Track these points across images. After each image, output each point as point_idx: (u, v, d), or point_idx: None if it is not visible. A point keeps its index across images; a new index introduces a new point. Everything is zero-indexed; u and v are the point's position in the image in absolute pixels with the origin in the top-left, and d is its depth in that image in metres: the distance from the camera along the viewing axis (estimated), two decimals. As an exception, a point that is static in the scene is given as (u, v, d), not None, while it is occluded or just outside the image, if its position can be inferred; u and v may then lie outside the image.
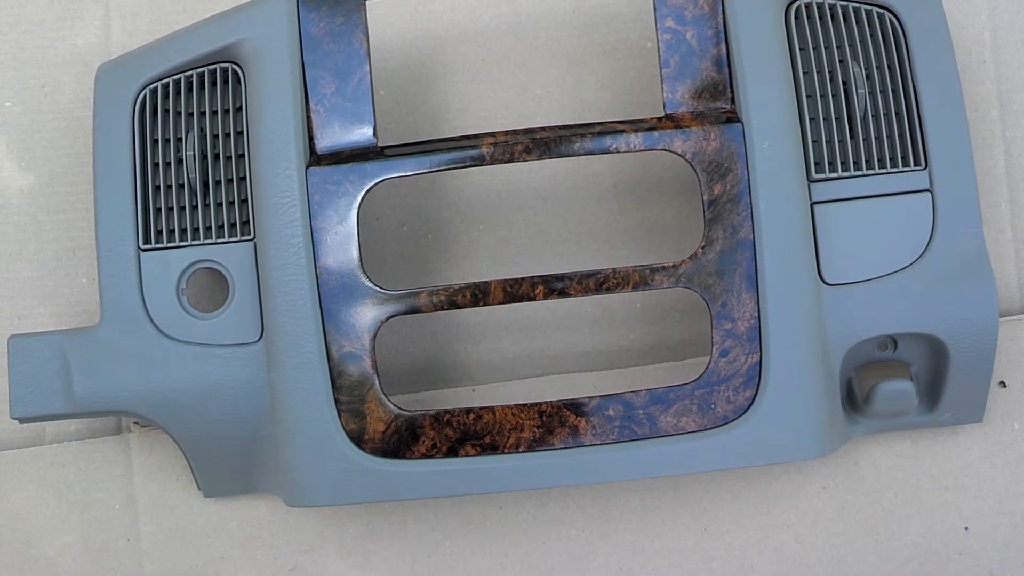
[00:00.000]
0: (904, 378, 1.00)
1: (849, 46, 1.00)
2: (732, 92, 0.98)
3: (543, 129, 0.99)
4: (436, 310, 0.97)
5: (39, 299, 1.11)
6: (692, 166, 0.96)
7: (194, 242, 1.00)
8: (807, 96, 0.99)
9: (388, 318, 0.96)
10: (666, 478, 1.07)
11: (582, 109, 1.13)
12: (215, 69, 1.01)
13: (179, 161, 1.01)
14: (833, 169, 0.99)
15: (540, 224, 1.12)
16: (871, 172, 0.99)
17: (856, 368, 1.02)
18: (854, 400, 1.02)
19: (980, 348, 0.98)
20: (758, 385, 0.95)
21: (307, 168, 0.97)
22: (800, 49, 1.00)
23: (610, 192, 1.12)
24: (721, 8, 0.98)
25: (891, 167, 0.99)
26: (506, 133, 0.98)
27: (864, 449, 1.07)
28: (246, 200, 1.00)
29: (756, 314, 0.95)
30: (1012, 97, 1.12)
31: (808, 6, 1.00)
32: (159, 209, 1.00)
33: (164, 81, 1.01)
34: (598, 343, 1.12)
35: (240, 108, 1.01)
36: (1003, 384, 1.07)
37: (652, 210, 1.12)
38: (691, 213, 1.11)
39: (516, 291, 0.97)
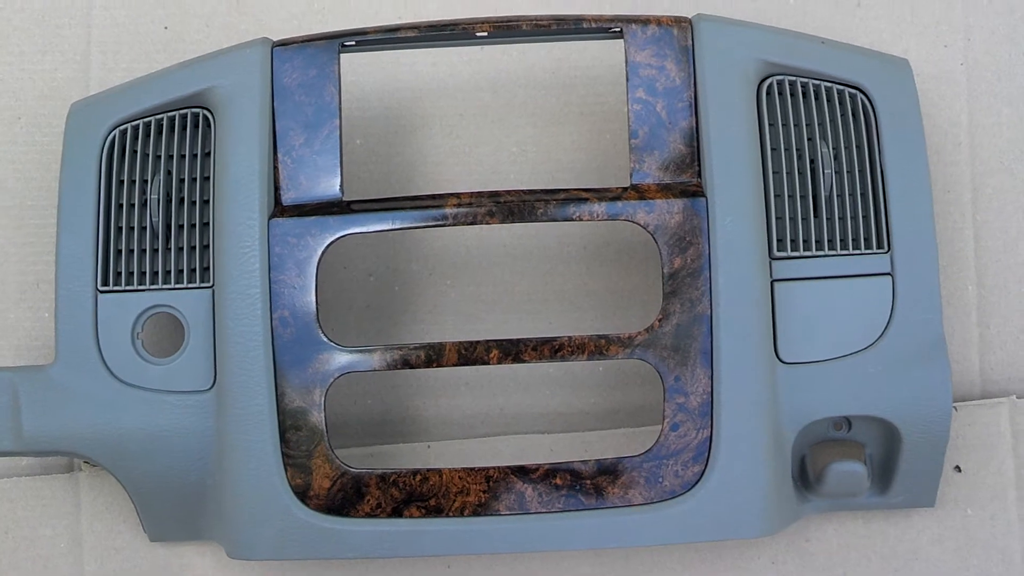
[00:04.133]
0: (856, 460, 1.00)
1: (819, 124, 1.00)
2: (699, 166, 0.98)
3: (508, 193, 0.99)
4: (389, 369, 0.96)
5: (0, 331, 1.11)
6: (654, 238, 0.96)
7: (152, 286, 0.99)
8: (774, 173, 0.99)
9: (341, 374, 0.96)
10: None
11: (555, 169, 1.13)
12: (186, 114, 1.01)
13: (143, 203, 1.00)
14: (795, 247, 0.98)
15: (508, 282, 1.12)
16: (833, 253, 0.98)
17: (810, 446, 1.01)
18: (806, 478, 1.01)
19: (933, 434, 0.97)
20: (707, 461, 0.95)
21: (270, 219, 0.97)
22: (770, 125, 1.00)
23: (579, 254, 1.12)
24: (693, 81, 0.98)
25: (853, 249, 0.98)
26: (471, 195, 0.98)
27: (816, 527, 1.07)
28: (208, 246, 1.00)
29: (709, 390, 0.95)
30: (986, 180, 1.11)
31: (780, 83, 1.00)
32: (120, 251, 1.00)
33: (135, 123, 1.01)
34: (558, 405, 1.11)
35: (208, 154, 1.01)
36: (958, 469, 1.06)
37: (620, 274, 1.12)
38: (658, 280, 1.11)
39: (470, 354, 0.96)
